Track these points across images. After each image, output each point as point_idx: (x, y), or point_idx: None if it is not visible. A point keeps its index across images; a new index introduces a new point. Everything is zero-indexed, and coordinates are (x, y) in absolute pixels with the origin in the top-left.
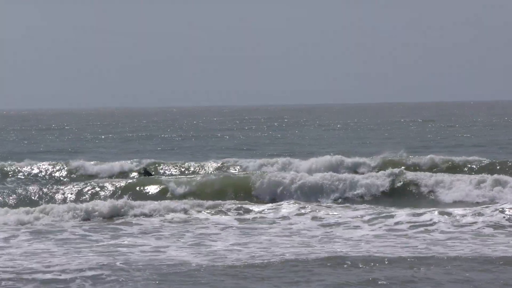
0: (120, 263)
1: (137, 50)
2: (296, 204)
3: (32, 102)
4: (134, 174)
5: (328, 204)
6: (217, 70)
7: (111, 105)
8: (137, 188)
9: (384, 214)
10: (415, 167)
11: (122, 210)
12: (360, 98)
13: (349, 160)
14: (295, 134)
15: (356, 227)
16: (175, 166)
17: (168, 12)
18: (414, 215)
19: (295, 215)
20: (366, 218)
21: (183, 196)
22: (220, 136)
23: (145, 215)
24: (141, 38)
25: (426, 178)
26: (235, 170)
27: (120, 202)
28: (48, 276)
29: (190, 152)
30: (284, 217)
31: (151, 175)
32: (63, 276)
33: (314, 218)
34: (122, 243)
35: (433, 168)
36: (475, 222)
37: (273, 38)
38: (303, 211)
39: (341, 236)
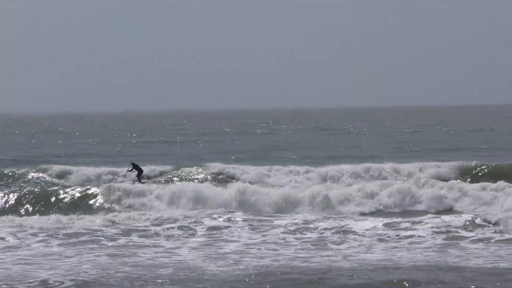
0: None
1: (141, 51)
2: None
3: (48, 105)
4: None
5: None
6: (212, 72)
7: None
8: None
9: None
10: None
11: None
12: (359, 101)
13: None
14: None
15: None
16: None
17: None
18: None
19: None
20: None
21: None
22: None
23: None
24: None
25: None
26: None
27: None
28: None
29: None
30: None
31: (140, 169)
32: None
33: None
34: None
35: None
36: None
37: (270, 39)
38: None
39: None
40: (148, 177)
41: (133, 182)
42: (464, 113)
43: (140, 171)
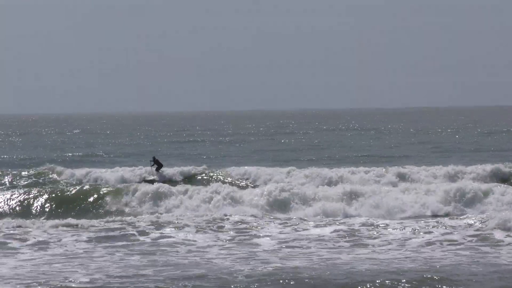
0: None
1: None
2: None
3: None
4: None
5: None
6: (212, 72)
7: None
8: None
9: None
10: None
11: None
12: (360, 103)
13: None
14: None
15: None
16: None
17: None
18: None
19: None
20: None
21: None
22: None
23: None
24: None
25: None
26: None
27: None
28: None
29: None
30: None
31: (160, 164)
32: None
33: None
34: None
35: None
36: None
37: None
38: None
39: None
40: (171, 179)
41: (156, 178)
42: (483, 114)
43: (160, 166)
